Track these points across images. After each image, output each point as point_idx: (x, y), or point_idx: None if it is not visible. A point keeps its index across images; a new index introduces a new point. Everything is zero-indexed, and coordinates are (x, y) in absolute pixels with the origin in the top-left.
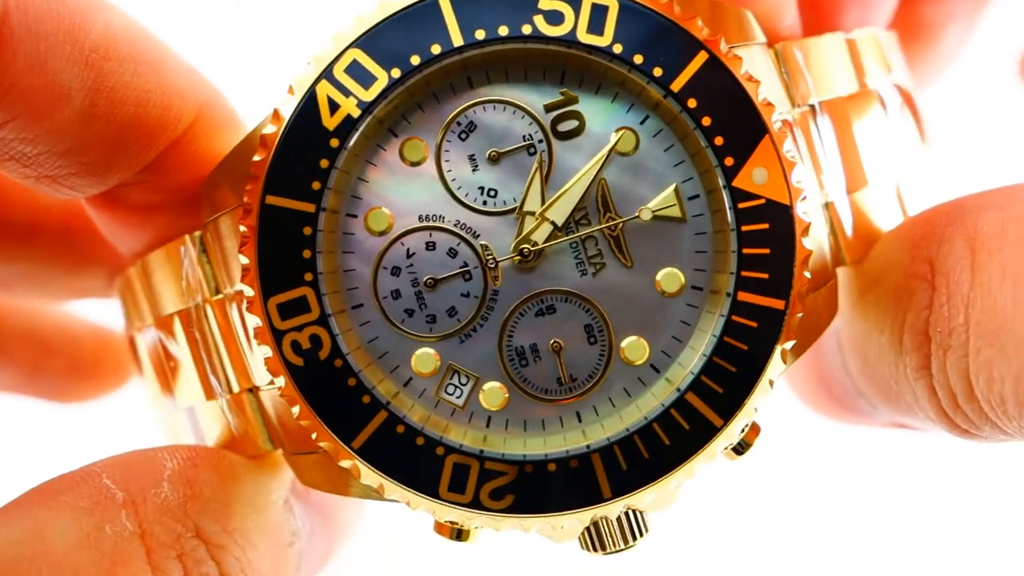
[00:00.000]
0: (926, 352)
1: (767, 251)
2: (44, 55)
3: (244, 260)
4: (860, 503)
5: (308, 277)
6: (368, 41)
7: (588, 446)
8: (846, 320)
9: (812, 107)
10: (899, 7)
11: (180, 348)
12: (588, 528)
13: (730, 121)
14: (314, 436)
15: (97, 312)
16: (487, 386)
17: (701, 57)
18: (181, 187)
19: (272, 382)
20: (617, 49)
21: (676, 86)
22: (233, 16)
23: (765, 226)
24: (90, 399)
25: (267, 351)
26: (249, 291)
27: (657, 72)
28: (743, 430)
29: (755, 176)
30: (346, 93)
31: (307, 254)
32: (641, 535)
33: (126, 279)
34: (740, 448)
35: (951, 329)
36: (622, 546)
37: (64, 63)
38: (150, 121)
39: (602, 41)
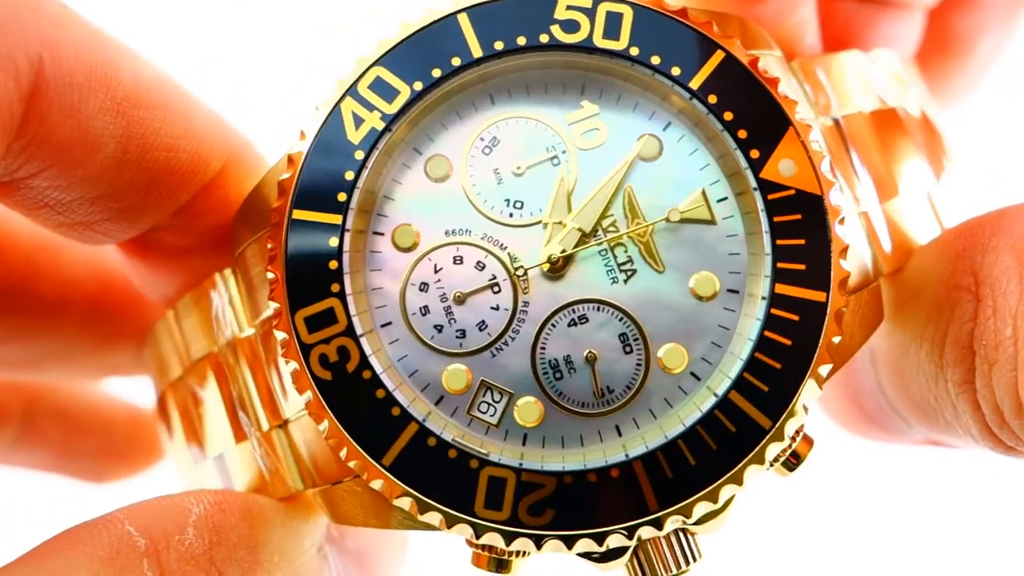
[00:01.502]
0: (969, 366)
1: (802, 242)
2: (77, 104)
3: (271, 276)
4: (905, 527)
5: (335, 288)
6: (390, 59)
7: (627, 455)
8: (881, 333)
9: (836, 121)
10: (929, 22)
11: (210, 392)
12: (636, 553)
13: (752, 114)
14: (343, 454)
15: (132, 390)
16: (521, 402)
17: (718, 56)
18: (212, 230)
19: (304, 410)
20: (634, 52)
21: (695, 83)
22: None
23: (797, 217)
24: (122, 479)
25: (294, 366)
26: (275, 305)
27: (676, 72)
28: (794, 436)
29: (782, 168)
30: (370, 108)
31: (333, 265)
32: (694, 560)
33: (154, 333)
34: (791, 463)
35: (998, 342)
36: (674, 571)
37: (96, 112)
38: (180, 166)
39: (618, 45)
